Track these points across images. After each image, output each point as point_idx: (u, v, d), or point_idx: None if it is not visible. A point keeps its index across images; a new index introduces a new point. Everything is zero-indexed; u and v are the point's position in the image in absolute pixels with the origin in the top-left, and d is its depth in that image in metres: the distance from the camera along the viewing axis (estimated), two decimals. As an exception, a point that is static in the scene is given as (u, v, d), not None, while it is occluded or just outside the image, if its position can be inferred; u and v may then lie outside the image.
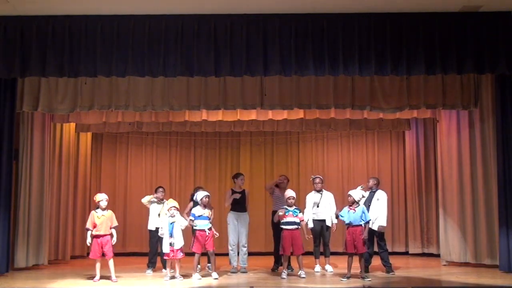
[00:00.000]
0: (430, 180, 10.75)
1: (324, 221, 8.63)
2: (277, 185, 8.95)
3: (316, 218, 8.62)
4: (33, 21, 7.67)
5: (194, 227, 8.00)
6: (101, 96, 8.41)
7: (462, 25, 7.66)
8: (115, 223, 7.81)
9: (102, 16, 7.66)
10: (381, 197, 8.41)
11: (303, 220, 8.17)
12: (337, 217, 8.05)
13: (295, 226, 7.99)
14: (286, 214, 8.01)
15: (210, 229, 7.98)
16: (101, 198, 7.85)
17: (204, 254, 8.71)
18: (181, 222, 7.87)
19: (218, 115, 9.45)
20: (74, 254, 10.49)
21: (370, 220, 7.87)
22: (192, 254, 8.69)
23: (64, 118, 9.55)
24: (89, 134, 11.21)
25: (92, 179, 11.47)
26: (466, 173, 8.90)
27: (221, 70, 7.64)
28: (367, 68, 7.61)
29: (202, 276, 7.98)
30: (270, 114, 9.49)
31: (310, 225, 8.55)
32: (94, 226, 7.67)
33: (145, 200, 8.80)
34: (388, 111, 8.68)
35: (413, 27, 7.65)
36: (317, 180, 8.81)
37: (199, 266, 8.62)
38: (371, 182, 8.61)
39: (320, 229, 8.64)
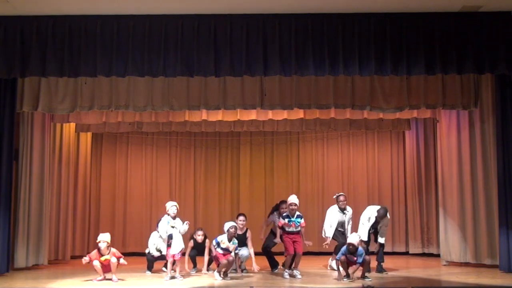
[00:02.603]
0: (430, 180, 10.74)
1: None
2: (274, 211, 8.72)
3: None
4: (33, 21, 7.67)
5: (216, 249, 7.78)
6: (101, 96, 8.40)
7: (462, 25, 7.66)
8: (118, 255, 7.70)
9: (102, 16, 7.66)
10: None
11: (304, 227, 7.96)
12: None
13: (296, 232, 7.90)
14: (289, 223, 7.84)
15: (230, 252, 7.81)
16: (101, 239, 7.63)
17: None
18: (181, 228, 7.82)
19: (218, 115, 9.44)
20: (74, 254, 10.45)
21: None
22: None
23: (64, 118, 9.53)
24: (89, 134, 11.20)
25: (92, 179, 11.46)
26: (466, 173, 8.90)
27: (221, 70, 7.63)
28: (367, 68, 7.60)
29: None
30: (270, 114, 9.48)
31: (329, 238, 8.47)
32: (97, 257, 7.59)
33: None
34: (388, 111, 8.67)
35: (413, 27, 7.64)
36: (342, 198, 8.61)
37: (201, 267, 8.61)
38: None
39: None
